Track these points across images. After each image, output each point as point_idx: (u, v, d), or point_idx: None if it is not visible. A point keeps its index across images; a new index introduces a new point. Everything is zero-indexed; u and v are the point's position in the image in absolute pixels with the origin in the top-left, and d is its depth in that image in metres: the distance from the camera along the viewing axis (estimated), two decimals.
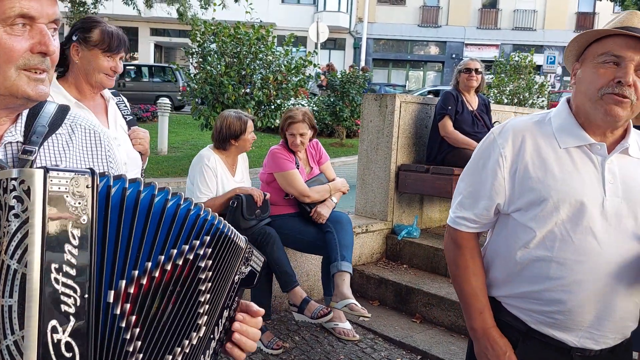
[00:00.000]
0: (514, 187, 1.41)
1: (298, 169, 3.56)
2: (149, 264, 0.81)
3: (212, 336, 0.96)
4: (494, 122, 4.69)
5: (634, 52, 1.28)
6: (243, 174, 3.54)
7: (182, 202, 0.85)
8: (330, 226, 3.43)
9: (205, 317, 0.92)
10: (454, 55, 29.37)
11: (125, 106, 2.24)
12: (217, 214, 0.93)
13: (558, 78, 25.01)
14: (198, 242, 0.87)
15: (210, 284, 0.91)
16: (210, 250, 0.89)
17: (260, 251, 3.74)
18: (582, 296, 1.35)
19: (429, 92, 21.91)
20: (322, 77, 9.53)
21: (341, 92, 11.50)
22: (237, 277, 1.01)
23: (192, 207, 0.86)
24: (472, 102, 4.53)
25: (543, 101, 11.91)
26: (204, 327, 0.92)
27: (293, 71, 9.01)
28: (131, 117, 2.24)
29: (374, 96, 4.69)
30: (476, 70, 4.44)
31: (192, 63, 9.52)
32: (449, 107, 4.38)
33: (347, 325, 3.53)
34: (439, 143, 4.43)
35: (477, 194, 1.48)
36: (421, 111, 4.71)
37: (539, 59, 19.22)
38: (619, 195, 1.36)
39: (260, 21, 9.41)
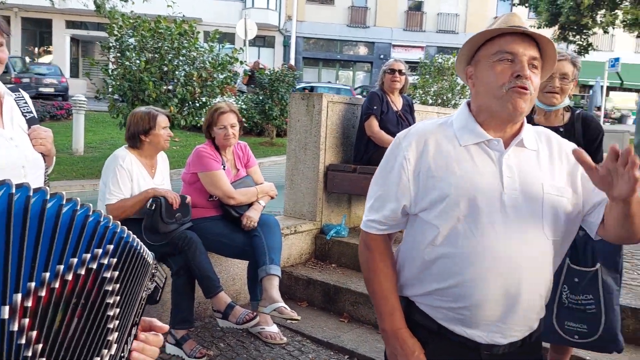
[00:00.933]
0: (418, 188, 1.46)
1: (224, 169, 3.46)
2: (47, 275, 0.73)
3: (122, 354, 0.89)
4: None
5: (524, 48, 1.39)
6: (163, 175, 3.38)
7: (78, 208, 0.77)
8: (258, 230, 3.35)
9: (116, 333, 0.84)
10: (382, 56, 29.99)
11: (26, 103, 2.03)
12: (119, 223, 0.85)
13: None
14: (101, 250, 0.79)
15: (118, 298, 0.84)
16: (115, 260, 0.82)
17: (182, 256, 3.56)
18: (486, 290, 1.38)
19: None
20: (244, 76, 9.28)
21: (270, 91, 11.39)
22: (144, 292, 0.95)
23: (90, 214, 0.79)
24: (397, 102, 4.60)
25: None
26: (115, 345, 0.85)
27: (219, 68, 8.80)
28: (32, 115, 2.03)
29: (301, 95, 4.65)
30: (400, 71, 4.51)
31: (109, 58, 9.07)
32: (375, 107, 4.42)
33: (274, 328, 3.47)
34: (365, 143, 4.46)
35: (385, 197, 1.52)
36: (348, 111, 4.73)
37: None
38: (516, 188, 1.40)
39: (184, 16, 9.11)
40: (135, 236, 0.89)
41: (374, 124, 4.40)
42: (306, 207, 4.57)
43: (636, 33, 14.76)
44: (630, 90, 28.14)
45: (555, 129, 2.45)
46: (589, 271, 2.28)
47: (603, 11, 14.73)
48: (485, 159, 1.44)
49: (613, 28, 15.31)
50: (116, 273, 0.82)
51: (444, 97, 11.46)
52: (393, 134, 4.37)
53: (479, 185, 1.40)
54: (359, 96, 19.34)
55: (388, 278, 1.53)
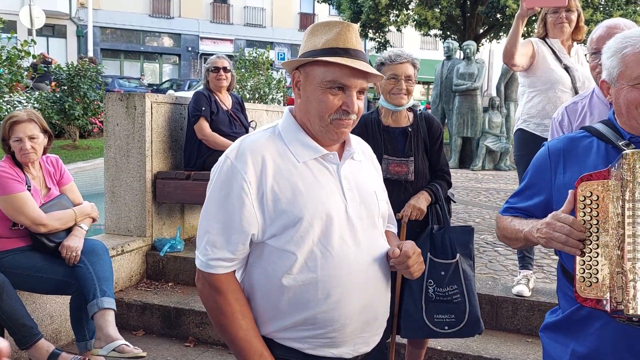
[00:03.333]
0: (265, 213, 1.35)
1: (30, 190, 2.83)
2: None
3: None
4: (251, 122, 4.59)
5: (357, 78, 1.37)
6: None
7: None
8: (83, 258, 2.82)
9: None
10: (189, 48, 29.08)
11: None
12: None
13: (289, 74, 27.00)
14: None
15: None
16: None
17: None
18: (350, 307, 1.36)
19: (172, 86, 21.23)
20: (26, 73, 7.94)
21: (70, 87, 10.06)
22: None
23: None
24: (226, 101, 4.34)
25: (282, 96, 12.56)
26: None
27: (5, 63, 7.44)
28: None
29: (119, 96, 4.09)
30: (224, 68, 4.25)
31: None
32: (203, 108, 4.10)
33: None
34: (197, 146, 4.12)
35: (228, 228, 1.35)
36: (175, 112, 4.31)
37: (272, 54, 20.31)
38: (356, 200, 1.42)
39: None
40: None
41: (204, 126, 4.08)
42: (133, 221, 4.06)
43: (423, 32, 16.62)
44: (417, 82, 32.46)
45: (404, 130, 2.51)
46: (451, 263, 2.38)
47: (397, 11, 16.23)
48: (326, 174, 1.41)
49: (405, 27, 16.99)
50: None
51: (261, 92, 11.44)
52: (227, 135, 4.13)
53: (327, 202, 1.36)
54: (171, 91, 18.42)
55: (248, 318, 1.38)
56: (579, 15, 3.22)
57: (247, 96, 11.36)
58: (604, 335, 1.36)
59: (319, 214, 1.34)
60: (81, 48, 25.58)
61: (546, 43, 3.25)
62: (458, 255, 2.39)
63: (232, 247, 1.35)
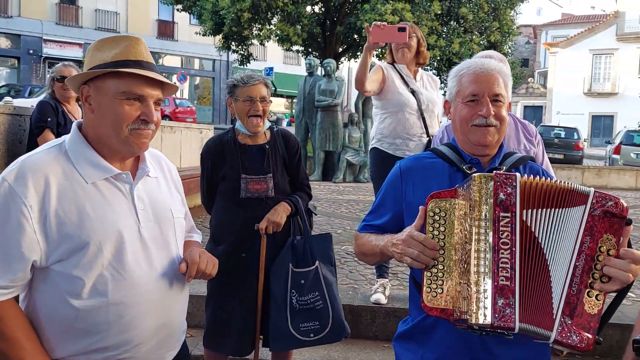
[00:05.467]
0: (48, 238, 1.29)
1: None
2: None
3: None
4: None
5: (152, 89, 1.38)
6: None
7: None
8: None
9: None
10: (31, 51, 26.45)
11: None
12: None
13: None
14: None
15: None
16: None
17: None
18: (144, 327, 1.38)
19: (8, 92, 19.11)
20: None
21: None
22: None
23: None
24: (75, 112, 4.02)
25: None
26: None
27: None
28: None
29: None
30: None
31: None
32: (49, 119, 3.76)
33: None
34: None
35: (6, 255, 1.27)
36: (13, 123, 3.87)
37: None
38: (151, 219, 1.42)
39: None
40: None
41: (49, 137, 3.72)
42: None
43: (285, 47, 16.98)
44: (281, 96, 33.03)
45: (262, 147, 2.52)
46: (310, 270, 2.44)
47: (259, 25, 16.38)
48: (117, 195, 1.38)
49: (268, 41, 17.21)
50: None
51: None
52: None
53: (117, 225, 1.34)
54: (9, 97, 16.55)
55: (32, 342, 1.31)
56: (419, 41, 3.51)
57: None
58: (447, 342, 1.47)
59: (109, 237, 1.32)
60: None
61: (395, 68, 3.51)
62: (317, 262, 2.45)
63: (11, 275, 1.28)
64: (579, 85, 33.07)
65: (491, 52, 2.74)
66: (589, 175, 13.44)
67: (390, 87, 3.43)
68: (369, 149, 3.63)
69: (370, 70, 3.27)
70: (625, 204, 1.25)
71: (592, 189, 1.26)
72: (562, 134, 18.35)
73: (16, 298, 1.35)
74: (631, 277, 1.22)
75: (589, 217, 1.25)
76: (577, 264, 1.24)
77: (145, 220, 1.40)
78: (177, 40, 30.33)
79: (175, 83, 1.49)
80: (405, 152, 3.36)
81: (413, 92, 3.46)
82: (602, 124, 32.87)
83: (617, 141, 17.43)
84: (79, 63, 13.99)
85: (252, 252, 2.43)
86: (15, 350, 1.29)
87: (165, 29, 30.26)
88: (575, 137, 18.19)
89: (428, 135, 3.44)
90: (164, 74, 1.62)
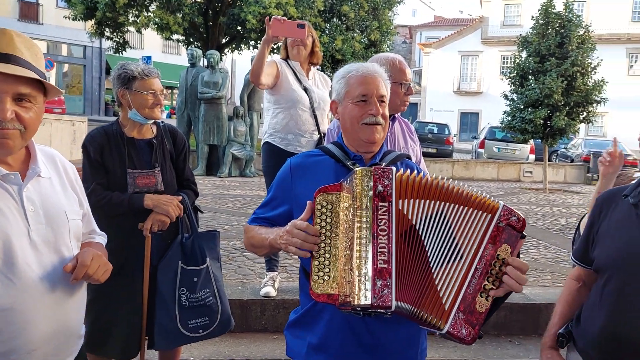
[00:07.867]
0: None
1: None
2: None
3: None
4: None
5: (7, 85, 1.28)
6: None
7: None
8: None
9: None
10: None
11: None
12: None
13: None
14: None
15: None
16: None
17: None
18: (37, 333, 1.34)
19: None
20: None
21: None
22: None
23: None
24: None
25: None
26: None
27: None
28: None
29: None
30: None
31: None
32: None
33: None
34: None
35: None
36: None
37: None
38: (42, 222, 1.37)
39: None
40: None
41: None
42: None
43: (165, 36, 16.25)
44: (166, 88, 31.63)
45: (149, 141, 2.46)
46: (202, 268, 2.47)
47: (136, 11, 15.51)
48: (5, 196, 1.33)
49: (146, 29, 16.36)
50: None
51: None
52: None
53: (6, 229, 1.29)
54: None
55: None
56: (314, 41, 3.59)
57: None
58: (331, 325, 1.56)
59: None
60: None
61: (288, 65, 3.54)
62: (208, 259, 2.49)
63: None
64: (450, 84, 35.67)
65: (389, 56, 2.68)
66: (458, 167, 14.62)
67: (284, 82, 3.47)
68: (262, 143, 3.64)
69: None
70: (525, 220, 1.42)
71: (502, 203, 1.42)
72: (435, 130, 19.70)
73: None
74: (521, 287, 1.38)
75: (495, 228, 1.40)
76: (477, 266, 1.38)
77: (36, 223, 1.35)
78: (42, 24, 27.70)
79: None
80: (297, 148, 3.42)
81: (306, 90, 3.52)
82: (469, 121, 35.78)
83: (482, 136, 19.09)
84: None
85: (139, 251, 2.37)
86: None
87: (29, 11, 27.52)
88: (446, 132, 19.64)
89: (319, 133, 3.54)
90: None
